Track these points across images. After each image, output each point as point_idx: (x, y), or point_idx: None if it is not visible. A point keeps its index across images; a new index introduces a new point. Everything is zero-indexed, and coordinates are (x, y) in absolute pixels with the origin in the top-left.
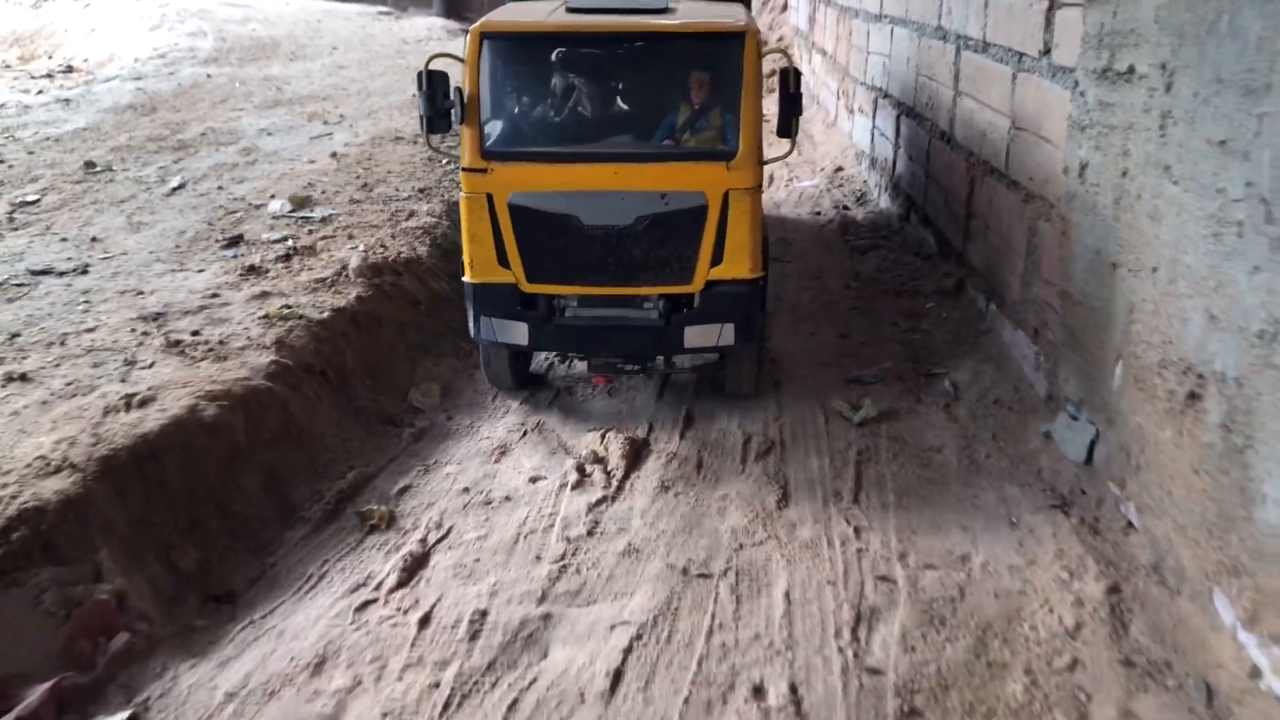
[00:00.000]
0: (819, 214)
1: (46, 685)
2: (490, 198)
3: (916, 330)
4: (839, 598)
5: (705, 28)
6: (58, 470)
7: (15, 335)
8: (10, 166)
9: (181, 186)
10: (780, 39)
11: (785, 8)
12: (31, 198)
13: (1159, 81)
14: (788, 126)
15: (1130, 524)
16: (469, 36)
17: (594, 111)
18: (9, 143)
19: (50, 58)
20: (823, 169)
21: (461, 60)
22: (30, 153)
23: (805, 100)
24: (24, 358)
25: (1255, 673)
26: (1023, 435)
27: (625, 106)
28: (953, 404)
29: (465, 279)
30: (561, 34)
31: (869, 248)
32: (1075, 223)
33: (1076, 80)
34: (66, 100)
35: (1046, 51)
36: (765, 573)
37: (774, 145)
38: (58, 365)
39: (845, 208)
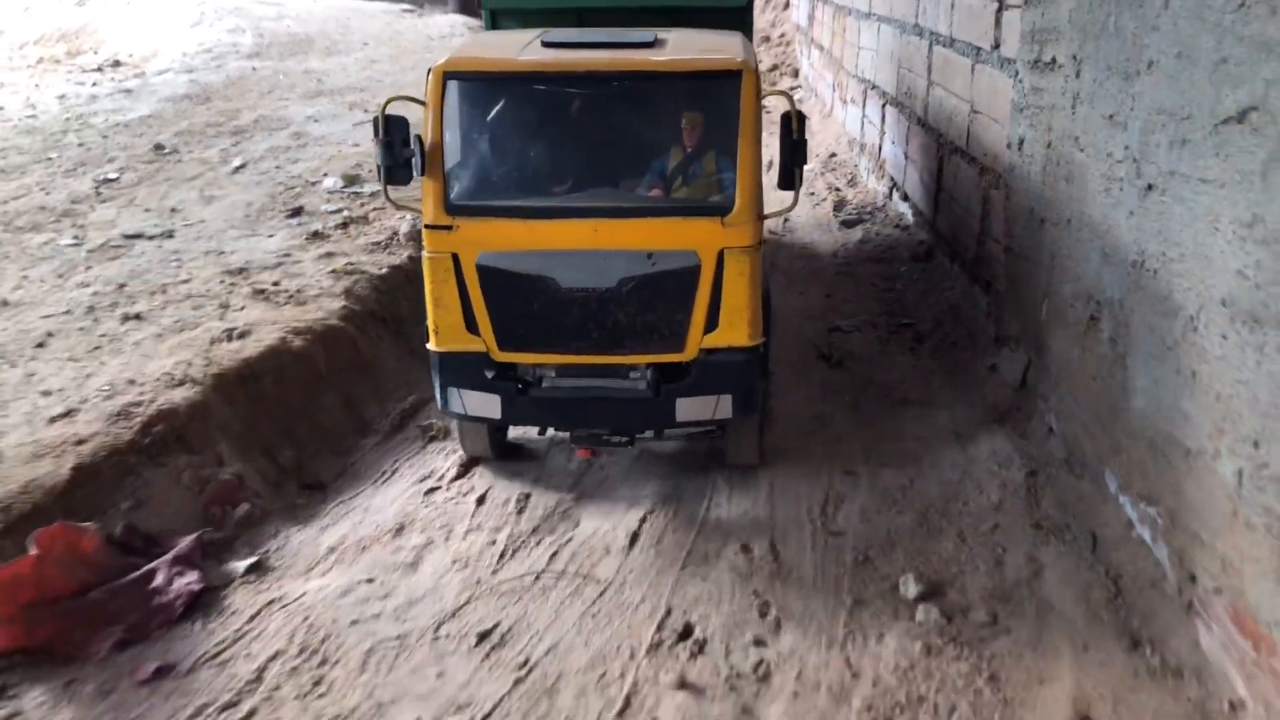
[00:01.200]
0: (813, 194)
1: (192, 536)
2: (456, 258)
3: (891, 290)
4: (812, 486)
5: (697, 66)
6: (181, 383)
7: (123, 285)
8: (88, 149)
9: (243, 166)
10: (782, 35)
11: (787, 6)
12: (112, 175)
13: (1071, 70)
14: (790, 178)
15: (1050, 429)
16: (430, 76)
17: (572, 160)
18: (84, 129)
19: (96, 53)
20: (818, 155)
21: (422, 103)
22: (104, 137)
23: (803, 93)
24: (134, 303)
25: (1129, 525)
26: (973, 369)
27: (608, 154)
28: (917, 347)
29: (429, 346)
30: (535, 74)
31: (856, 222)
32: (1015, 188)
33: (1017, 70)
34: (128, 91)
35: (996, 46)
36: (753, 471)
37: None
38: (163, 308)
39: (837, 189)
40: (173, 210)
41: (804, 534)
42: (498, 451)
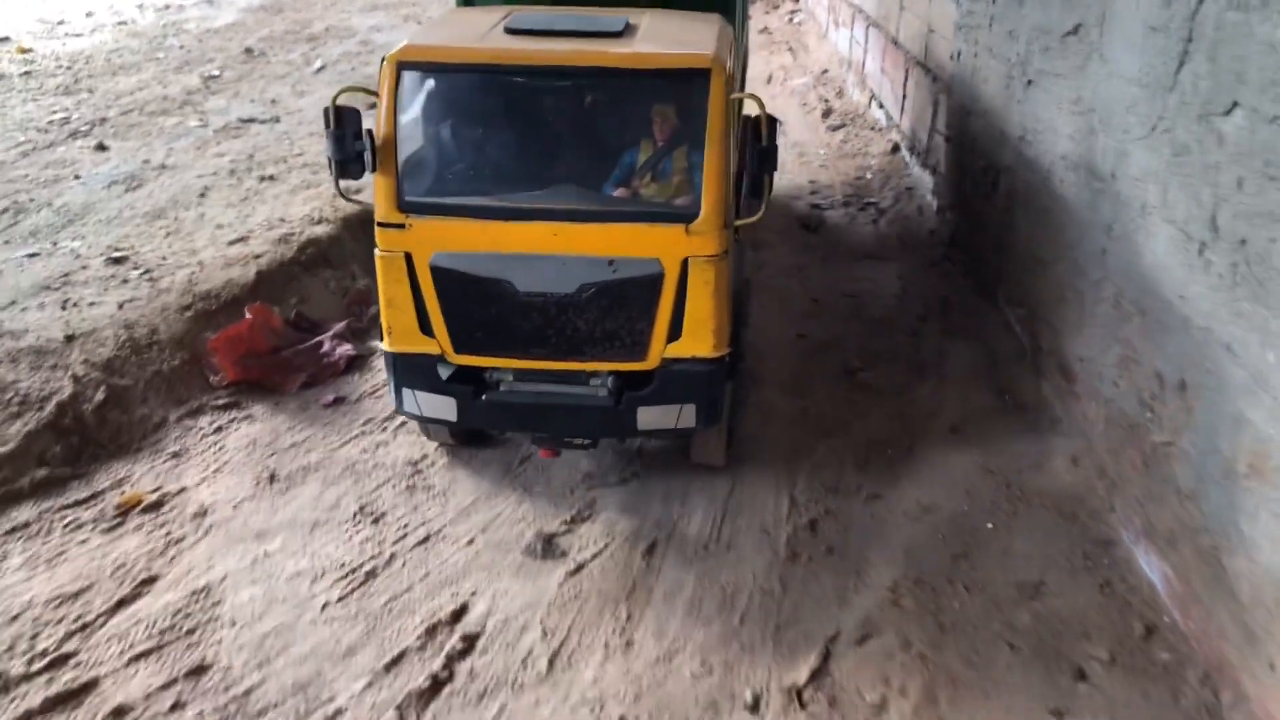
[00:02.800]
0: (805, 104)
1: (342, 323)
2: (409, 257)
3: (862, 179)
4: (786, 308)
5: (663, 62)
6: (319, 222)
7: (251, 155)
8: (188, 51)
9: (323, 68)
10: None
11: None
12: (214, 72)
13: None
14: (758, 187)
15: (965, 270)
16: (383, 66)
17: (532, 157)
18: (180, 33)
19: None
20: (812, 71)
21: (374, 94)
22: (199, 40)
23: (803, 16)
24: (264, 168)
25: (1007, 324)
26: (919, 233)
27: (569, 151)
28: (878, 219)
29: (383, 347)
30: (492, 66)
31: (839, 126)
32: (954, 91)
33: None
34: (210, 0)
35: None
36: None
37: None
38: (289, 172)
39: (826, 100)
40: (272, 101)
41: (782, 339)
42: (460, 439)
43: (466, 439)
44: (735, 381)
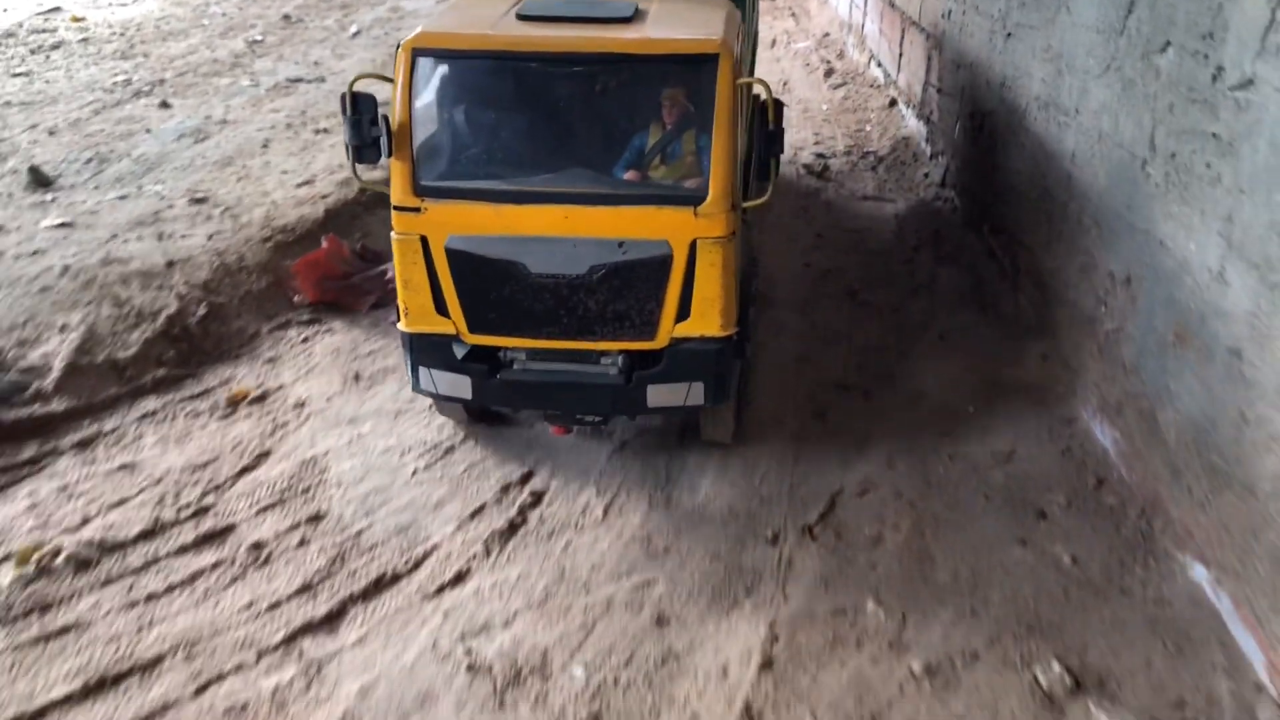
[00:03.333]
0: (808, 64)
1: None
2: (425, 240)
3: (862, 131)
4: (793, 244)
5: (671, 48)
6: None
7: (304, 111)
8: (230, 18)
9: (359, 32)
10: None
11: None
12: (258, 37)
13: None
14: (766, 169)
15: (955, 206)
16: (399, 52)
17: (544, 141)
18: (222, 1)
19: None
20: (814, 35)
21: (390, 81)
22: (239, 8)
23: None
24: (318, 122)
25: (990, 251)
26: (914, 177)
27: (580, 135)
28: (877, 166)
29: (400, 327)
30: (505, 53)
31: (841, 85)
32: (945, 46)
33: None
34: None
35: None
36: (758, 243)
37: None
38: (340, 126)
39: (828, 61)
40: (315, 63)
41: (791, 267)
42: (474, 417)
43: (479, 417)
44: (743, 361)
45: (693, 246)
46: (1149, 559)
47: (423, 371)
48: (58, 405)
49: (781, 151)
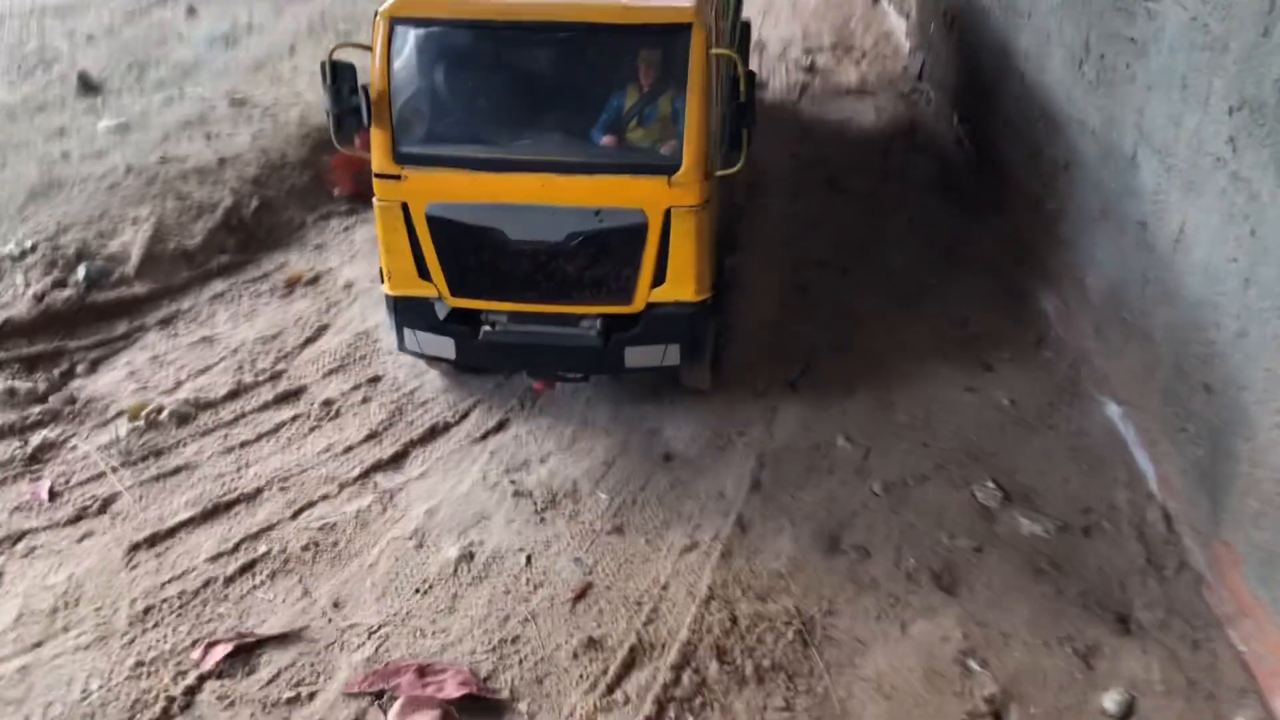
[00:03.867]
0: None
1: None
2: (406, 207)
3: (846, 26)
4: (784, 135)
5: (645, 18)
6: None
7: (321, 16)
8: None
9: None
10: None
11: None
12: None
13: None
14: (737, 138)
15: (929, 99)
16: (376, 20)
17: (522, 109)
18: None
19: None
20: None
21: (369, 49)
22: None
23: None
24: (339, 24)
25: (959, 138)
26: (894, 71)
27: (557, 103)
28: (860, 60)
29: (383, 289)
30: (482, 21)
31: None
32: None
33: None
34: None
35: None
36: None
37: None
38: (357, 30)
39: None
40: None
41: (779, 158)
42: (460, 370)
43: (463, 369)
44: (720, 316)
45: (667, 214)
46: (1074, 400)
47: (407, 333)
48: (140, 288)
49: (754, 124)
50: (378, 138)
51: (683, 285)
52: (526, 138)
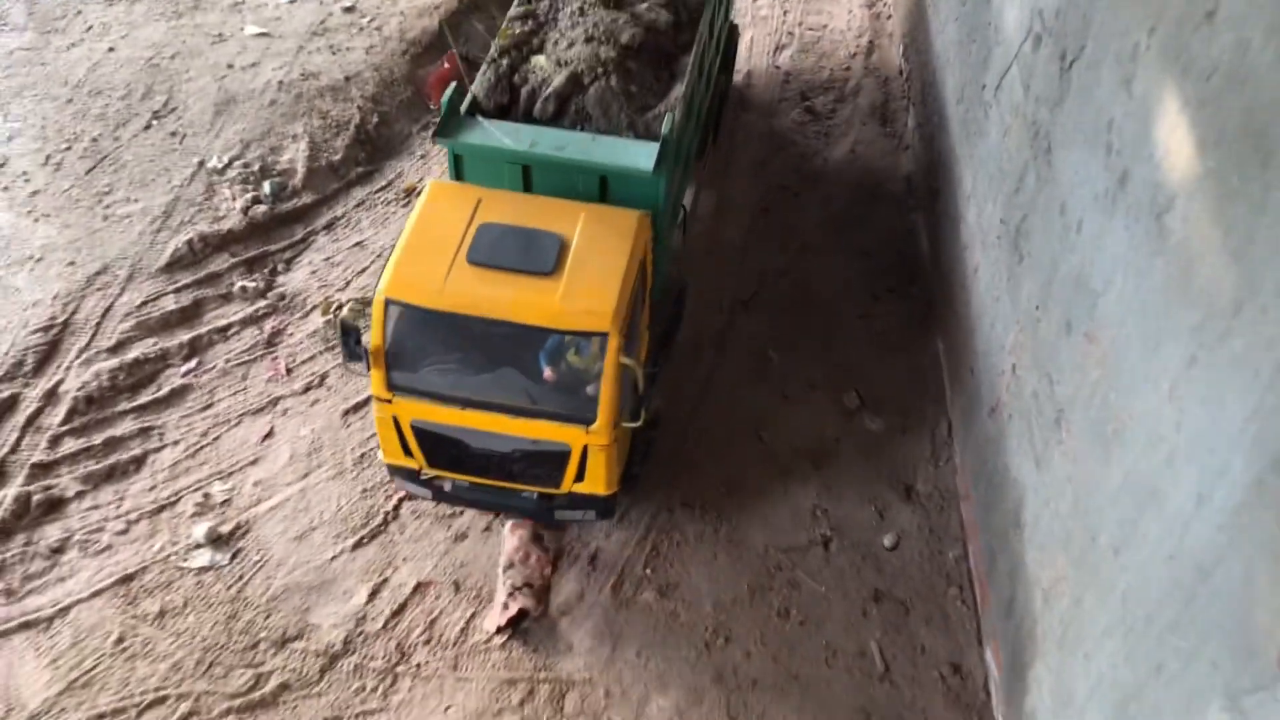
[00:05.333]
0: None
1: None
2: (396, 418)
3: None
4: (769, 43)
5: (569, 324)
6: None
7: None
8: None
9: None
10: None
11: None
12: None
13: None
14: (636, 413)
15: (890, 16)
16: (375, 298)
17: (479, 363)
18: None
19: None
20: None
21: (369, 314)
22: None
23: None
24: None
25: (906, 75)
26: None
27: (506, 362)
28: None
29: (379, 456)
30: (448, 313)
31: None
32: None
33: None
34: None
35: None
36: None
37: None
38: None
39: None
40: None
41: (763, 69)
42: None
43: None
44: (648, 440)
45: (585, 447)
46: (923, 333)
47: (398, 480)
48: (307, 199)
49: (649, 404)
50: (375, 375)
51: (596, 484)
52: (483, 383)
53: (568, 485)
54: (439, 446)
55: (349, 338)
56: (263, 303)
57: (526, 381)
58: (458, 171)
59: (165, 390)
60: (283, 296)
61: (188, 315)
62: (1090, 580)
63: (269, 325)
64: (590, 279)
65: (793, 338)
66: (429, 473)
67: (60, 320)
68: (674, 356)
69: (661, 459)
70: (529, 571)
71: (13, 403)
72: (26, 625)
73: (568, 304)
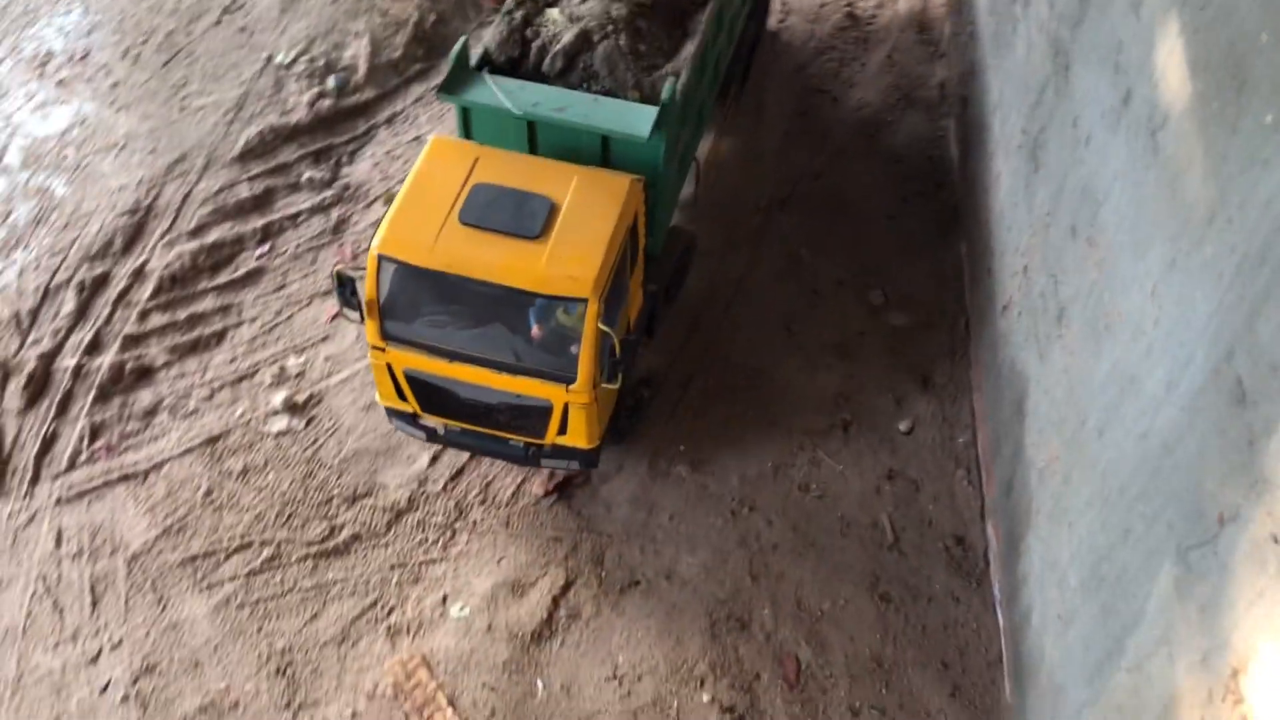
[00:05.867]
0: None
1: None
2: (390, 365)
3: None
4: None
5: (551, 289)
6: None
7: None
8: None
9: None
10: None
11: None
12: None
13: None
14: (613, 374)
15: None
16: (369, 254)
17: (466, 318)
18: None
19: None
20: None
21: (363, 270)
22: None
23: None
24: None
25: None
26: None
27: (492, 319)
28: None
29: (377, 398)
30: (438, 271)
31: None
32: None
33: None
34: None
35: None
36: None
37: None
38: None
39: None
40: None
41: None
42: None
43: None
44: (638, 398)
45: (566, 404)
46: (947, 237)
47: (396, 422)
48: (368, 94)
49: (620, 367)
50: (370, 325)
51: (578, 438)
52: (471, 339)
53: (551, 437)
54: (431, 394)
55: (344, 288)
56: (329, 192)
57: (513, 339)
58: (465, 125)
59: (242, 272)
60: (347, 187)
61: (260, 203)
62: (1077, 459)
63: (335, 214)
64: (575, 244)
65: (824, 237)
66: (423, 417)
67: (144, 204)
68: (673, 313)
69: (696, 350)
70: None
71: (104, 279)
72: (126, 478)
73: (551, 269)
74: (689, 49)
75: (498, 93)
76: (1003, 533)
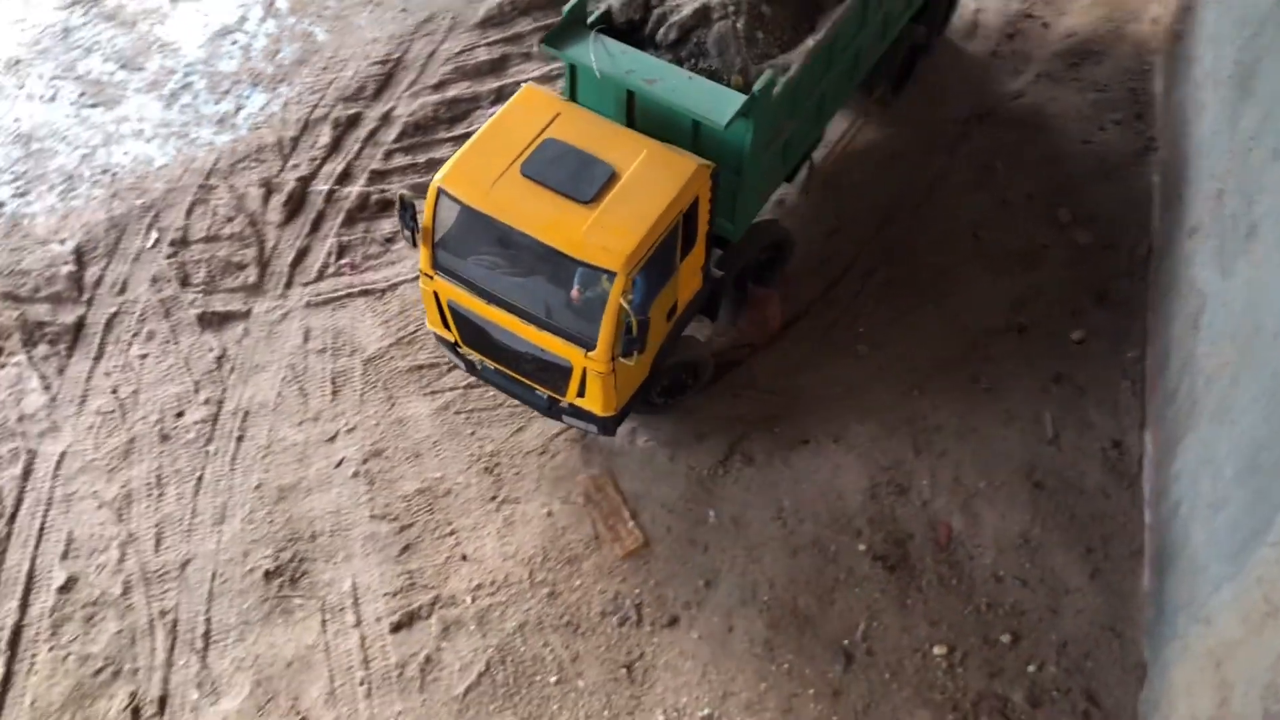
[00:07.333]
0: None
1: None
2: (436, 294)
3: None
4: None
5: (585, 256)
6: None
7: None
8: None
9: None
10: None
11: None
12: None
13: None
14: (628, 352)
15: None
16: (430, 187)
17: (509, 263)
18: None
19: None
20: None
21: (423, 197)
22: None
23: None
24: None
25: None
26: None
27: (532, 270)
28: None
29: (427, 324)
30: (489, 215)
31: None
32: None
33: None
34: None
35: None
36: None
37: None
38: None
39: None
40: None
41: None
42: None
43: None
44: (676, 387)
45: (584, 369)
46: (1140, 165)
47: (443, 348)
48: None
49: (640, 348)
50: (424, 251)
51: (594, 404)
52: (510, 285)
53: (570, 397)
54: (470, 329)
55: (405, 212)
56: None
57: (548, 295)
58: (572, 83)
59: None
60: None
61: (495, 67)
62: (1248, 361)
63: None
64: (622, 216)
65: (1019, 153)
66: (463, 348)
67: (394, 57)
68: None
69: (883, 244)
70: (759, 314)
71: (356, 119)
72: (365, 293)
73: (590, 235)
74: (808, 43)
75: (590, 51)
76: (1160, 439)
